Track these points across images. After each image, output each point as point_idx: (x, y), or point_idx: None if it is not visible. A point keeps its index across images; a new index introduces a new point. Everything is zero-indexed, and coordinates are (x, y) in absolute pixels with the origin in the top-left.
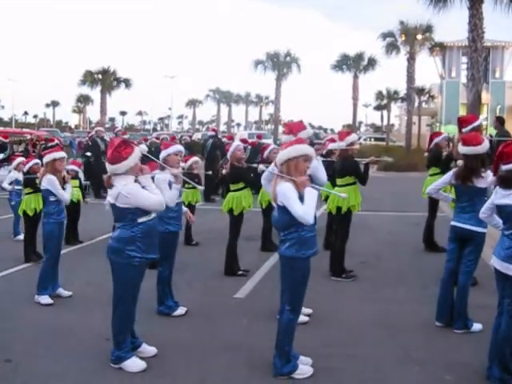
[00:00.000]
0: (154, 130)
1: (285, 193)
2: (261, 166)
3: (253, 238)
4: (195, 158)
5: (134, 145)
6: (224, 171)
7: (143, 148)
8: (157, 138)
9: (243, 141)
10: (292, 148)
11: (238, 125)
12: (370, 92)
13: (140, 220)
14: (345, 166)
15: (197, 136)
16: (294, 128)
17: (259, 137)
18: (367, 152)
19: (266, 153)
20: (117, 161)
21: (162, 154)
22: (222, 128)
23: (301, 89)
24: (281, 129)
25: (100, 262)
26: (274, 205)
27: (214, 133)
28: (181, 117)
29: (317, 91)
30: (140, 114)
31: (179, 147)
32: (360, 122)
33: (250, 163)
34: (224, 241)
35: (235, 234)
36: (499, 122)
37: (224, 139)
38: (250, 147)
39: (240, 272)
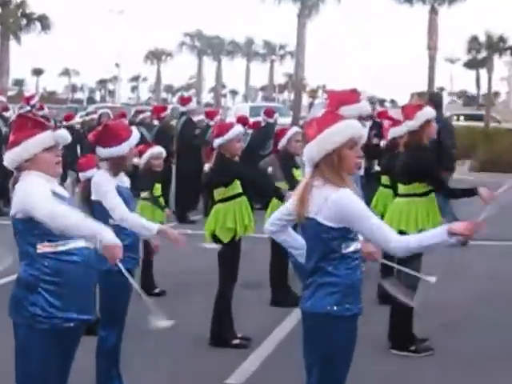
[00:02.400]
0: (91, 100)
1: (352, 205)
2: (271, 170)
3: (257, 284)
4: (156, 150)
5: (47, 126)
6: (206, 167)
7: (61, 135)
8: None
9: (241, 120)
10: (326, 134)
11: (234, 93)
12: (458, 38)
13: (45, 249)
14: (413, 164)
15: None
16: (342, 99)
17: (269, 112)
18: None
19: (282, 141)
20: (9, 146)
21: (123, 148)
22: (207, 98)
23: (340, 33)
24: (305, 100)
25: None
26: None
27: (183, 106)
28: (136, 79)
29: (368, 36)
30: (67, 73)
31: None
32: (441, 89)
33: (251, 157)
34: (209, 288)
35: (228, 276)
36: (433, 101)
37: (199, 117)
38: (251, 131)
39: (236, 341)
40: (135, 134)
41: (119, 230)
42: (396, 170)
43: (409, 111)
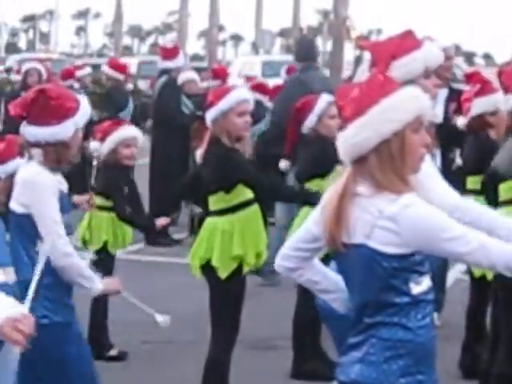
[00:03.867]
0: (12, 48)
1: (434, 222)
2: (283, 164)
3: (270, 345)
4: (128, 131)
5: None
6: (198, 155)
7: None
8: (17, 72)
9: (258, 89)
10: (384, 108)
11: (237, 39)
12: None
13: None
14: None
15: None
16: (393, 48)
17: (295, 71)
18: None
19: (309, 120)
20: None
21: (64, 129)
22: (196, 47)
23: None
24: (350, 52)
25: None
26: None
27: (166, 60)
28: (83, 15)
29: None
30: None
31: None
32: None
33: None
34: (195, 349)
35: (225, 331)
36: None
37: (185, 78)
38: (267, 100)
39: None
40: (84, 108)
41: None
42: (495, 166)
43: (510, 78)
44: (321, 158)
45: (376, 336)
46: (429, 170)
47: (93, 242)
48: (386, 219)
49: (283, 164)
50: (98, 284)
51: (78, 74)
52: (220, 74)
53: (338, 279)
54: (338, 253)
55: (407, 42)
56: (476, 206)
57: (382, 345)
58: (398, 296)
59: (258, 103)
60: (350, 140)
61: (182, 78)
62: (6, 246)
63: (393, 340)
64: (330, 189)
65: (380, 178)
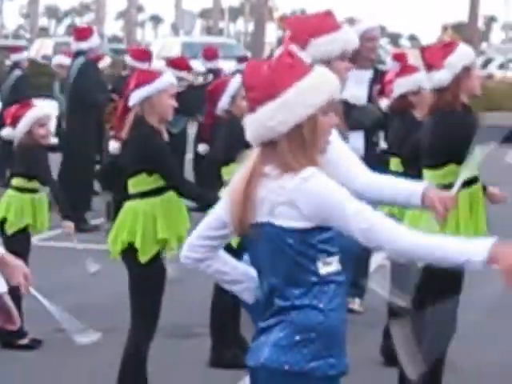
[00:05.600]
0: None
1: (332, 196)
2: (202, 147)
3: (190, 332)
4: (40, 110)
5: None
6: (112, 144)
7: None
8: None
9: (175, 64)
10: (300, 92)
11: (157, 20)
12: None
13: None
14: (446, 136)
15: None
16: (312, 27)
17: (210, 54)
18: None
19: (222, 101)
20: None
21: None
22: (114, 28)
23: None
24: (272, 32)
25: None
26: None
27: (79, 41)
28: None
29: None
30: None
31: None
32: (490, 18)
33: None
34: (112, 338)
35: (144, 318)
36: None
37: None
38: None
39: None
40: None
41: None
42: (415, 148)
43: (434, 56)
44: (235, 140)
45: (286, 320)
46: (340, 148)
47: (13, 223)
48: (288, 193)
49: (202, 148)
50: None
51: (14, 57)
52: (135, 53)
53: (246, 268)
54: (247, 237)
55: (327, 22)
56: (378, 178)
57: (293, 328)
58: (306, 275)
59: None
60: (263, 123)
61: (103, 63)
62: None
63: (303, 323)
64: (238, 171)
65: (290, 162)
